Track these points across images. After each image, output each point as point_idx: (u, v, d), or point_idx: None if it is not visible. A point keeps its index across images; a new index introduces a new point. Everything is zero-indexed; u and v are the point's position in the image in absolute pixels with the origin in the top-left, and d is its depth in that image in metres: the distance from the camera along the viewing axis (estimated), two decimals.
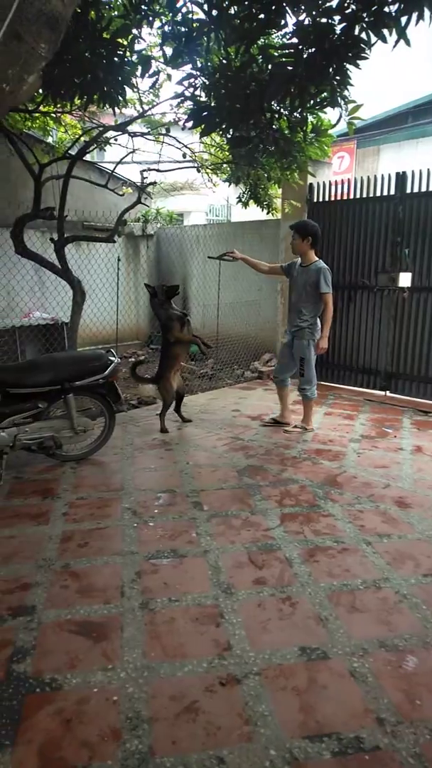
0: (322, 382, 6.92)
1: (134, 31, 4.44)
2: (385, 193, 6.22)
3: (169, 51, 4.49)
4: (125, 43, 4.36)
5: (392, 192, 6.16)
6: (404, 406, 5.95)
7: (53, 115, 6.36)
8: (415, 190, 5.98)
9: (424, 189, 5.91)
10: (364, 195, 6.42)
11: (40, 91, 4.78)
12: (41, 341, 7.30)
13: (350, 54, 3.85)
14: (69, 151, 6.16)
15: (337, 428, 5.15)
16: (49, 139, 7.56)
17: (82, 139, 6.19)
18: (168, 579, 2.64)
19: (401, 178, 6.09)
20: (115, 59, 4.34)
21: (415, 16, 3.47)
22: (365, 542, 3.03)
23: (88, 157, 6.58)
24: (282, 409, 5.21)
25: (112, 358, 4.22)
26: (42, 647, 2.16)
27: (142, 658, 2.11)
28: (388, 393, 6.41)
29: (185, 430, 5.02)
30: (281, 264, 5.34)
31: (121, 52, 4.35)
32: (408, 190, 6.04)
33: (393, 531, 3.18)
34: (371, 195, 6.36)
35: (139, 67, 4.58)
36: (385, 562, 2.82)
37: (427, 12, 3.47)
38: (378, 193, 6.29)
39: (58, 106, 5.54)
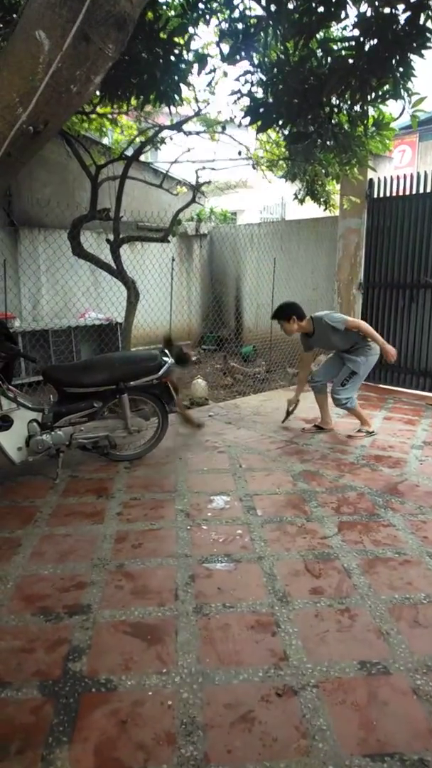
0: (381, 385, 6.73)
1: (191, 29, 4.43)
2: None
3: (225, 48, 4.45)
4: (182, 42, 4.36)
5: None
6: None
7: (110, 116, 6.45)
8: None
9: None
10: (428, 190, 6.17)
11: (97, 92, 4.86)
12: (96, 341, 7.44)
13: (414, 44, 3.70)
14: (125, 152, 6.23)
15: (397, 434, 4.97)
16: (105, 141, 7.69)
17: (138, 139, 6.25)
18: (222, 584, 2.60)
19: None
20: (172, 58, 4.35)
21: None
22: (429, 554, 2.89)
23: (143, 158, 6.63)
24: (323, 414, 5.06)
25: (166, 359, 4.23)
26: (97, 647, 2.17)
27: (197, 664, 2.08)
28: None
29: (237, 432, 4.97)
30: (304, 355, 5.17)
31: (178, 51, 4.34)
32: None
33: None
34: None
35: (196, 65, 4.57)
36: None
37: None
38: None
39: (115, 107, 5.62)
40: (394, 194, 6.57)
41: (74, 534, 3.10)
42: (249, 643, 2.20)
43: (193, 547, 2.95)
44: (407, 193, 6.44)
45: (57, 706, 1.88)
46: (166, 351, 4.38)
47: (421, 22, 3.55)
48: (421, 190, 6.24)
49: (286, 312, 4.71)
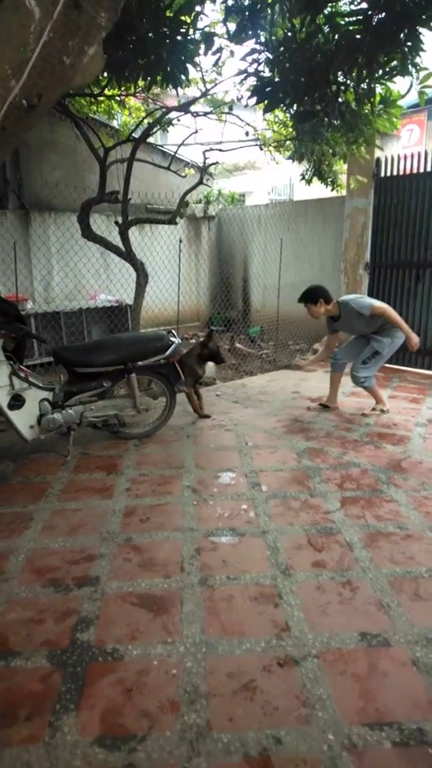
0: (387, 365, 6.71)
1: (197, 7, 4.38)
2: None
3: (232, 27, 4.40)
4: (188, 20, 4.32)
5: None
6: None
7: (117, 98, 6.41)
8: None
9: None
10: None
11: (105, 74, 4.83)
12: (106, 322, 7.49)
13: (423, 16, 3.64)
14: (133, 134, 6.20)
15: (401, 412, 4.99)
16: (114, 123, 7.65)
17: (146, 121, 6.21)
18: (226, 557, 2.67)
19: None
20: (178, 38, 4.31)
21: None
22: (431, 530, 2.93)
23: (151, 140, 6.59)
24: (331, 393, 5.08)
25: (173, 339, 4.26)
26: (105, 618, 2.24)
27: (201, 634, 2.14)
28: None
29: (244, 411, 5.01)
30: (328, 336, 5.16)
31: (184, 30, 4.30)
32: None
33: None
34: None
35: (202, 45, 4.52)
36: None
37: None
38: None
39: (122, 88, 5.58)
40: (401, 173, 6.49)
41: (84, 509, 3.17)
42: (252, 614, 2.26)
43: (199, 522, 3.01)
44: (415, 171, 6.36)
45: (65, 674, 1.95)
46: (173, 332, 4.42)
47: None
48: (429, 169, 6.16)
49: (313, 295, 4.71)
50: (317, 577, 2.51)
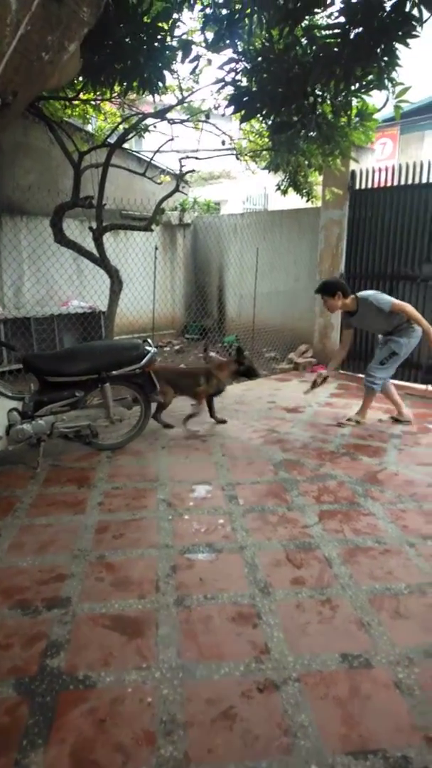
0: (359, 375, 6.74)
1: (175, 15, 4.34)
2: None
3: (210, 35, 4.37)
4: (166, 27, 4.27)
5: None
6: None
7: (93, 102, 6.32)
8: None
9: None
10: (410, 182, 6.18)
11: (80, 78, 4.75)
12: (79, 330, 7.33)
13: (400, 32, 3.66)
14: (108, 139, 6.12)
15: (376, 423, 4.99)
16: (89, 128, 7.55)
17: (121, 127, 6.14)
18: (203, 575, 2.59)
19: None
20: (156, 44, 4.26)
21: None
22: (408, 544, 2.91)
23: (126, 146, 6.52)
24: (396, 406, 5.02)
25: (149, 348, 4.18)
26: (76, 642, 2.13)
27: (178, 658, 2.06)
28: (430, 387, 6.20)
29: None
30: (343, 331, 5.16)
31: (162, 37, 4.26)
32: None
33: None
34: (418, 182, 6.11)
35: (180, 52, 4.48)
36: (431, 566, 2.69)
37: None
38: (425, 180, 6.04)
39: (98, 93, 5.50)
40: (375, 186, 6.56)
41: (55, 524, 3.05)
42: (230, 635, 2.18)
43: (174, 538, 2.93)
44: (390, 185, 6.44)
45: (33, 705, 1.84)
46: (149, 341, 4.33)
47: (407, 9, 3.52)
48: (404, 182, 6.24)
49: (331, 288, 4.70)
50: (296, 595, 2.45)
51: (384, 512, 3.27)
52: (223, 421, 4.93)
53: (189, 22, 5.47)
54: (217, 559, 2.72)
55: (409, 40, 3.65)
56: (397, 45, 3.72)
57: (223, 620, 2.27)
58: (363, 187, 6.66)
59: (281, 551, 2.81)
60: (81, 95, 5.63)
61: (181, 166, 6.50)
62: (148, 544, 2.86)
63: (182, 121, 6.31)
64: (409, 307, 4.56)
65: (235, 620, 2.27)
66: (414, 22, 3.53)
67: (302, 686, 1.93)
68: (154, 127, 6.61)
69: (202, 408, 4.81)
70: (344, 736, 1.73)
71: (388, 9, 3.56)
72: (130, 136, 5.87)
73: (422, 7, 3.42)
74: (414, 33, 3.61)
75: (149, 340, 4.36)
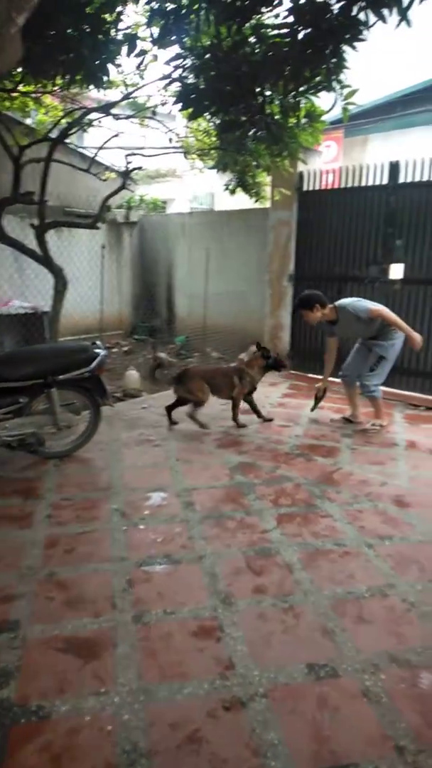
0: (310, 375, 6.80)
1: (119, 7, 4.20)
2: (378, 182, 6.07)
3: (156, 30, 4.26)
4: (110, 19, 4.13)
5: (385, 181, 6.02)
6: (395, 399, 5.85)
7: (33, 95, 6.06)
8: (408, 179, 5.85)
9: (417, 179, 5.78)
10: (356, 184, 6.27)
11: (20, 69, 4.52)
12: (21, 331, 7.01)
13: (347, 35, 3.67)
14: (49, 134, 5.89)
15: (329, 423, 5.02)
16: (29, 121, 7.25)
17: (64, 121, 5.92)
18: (162, 588, 2.48)
19: (394, 167, 5.95)
20: (100, 36, 4.11)
21: None
22: (367, 545, 2.90)
23: (69, 141, 6.29)
24: (353, 408, 5.05)
25: (98, 351, 4.01)
26: (27, 669, 1.98)
27: (138, 680, 1.95)
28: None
29: (174, 425, 4.84)
30: (327, 339, 5.12)
31: (106, 29, 4.11)
32: (401, 180, 5.91)
33: (394, 532, 3.05)
34: (363, 184, 6.21)
35: (125, 46, 4.35)
36: (389, 567, 2.70)
37: None
38: (371, 183, 6.15)
39: (39, 85, 5.28)
40: (323, 188, 6.63)
41: None
42: (193, 652, 2.09)
43: (130, 550, 2.80)
44: (336, 186, 6.51)
45: None
46: (98, 343, 4.17)
47: (354, 13, 3.52)
48: (350, 185, 6.33)
49: (308, 301, 4.69)
50: (259, 604, 2.38)
51: (341, 513, 3.26)
52: (269, 419, 4.98)
53: (134, 16, 5.31)
54: (176, 571, 2.62)
55: (356, 43, 3.67)
56: (345, 47, 3.73)
57: (185, 636, 2.18)
58: (311, 188, 6.71)
59: (241, 558, 2.74)
60: (21, 87, 5.39)
61: (127, 163, 6.34)
62: (101, 558, 2.72)
63: (127, 117, 6.15)
64: (386, 312, 4.61)
65: (197, 635, 2.18)
66: (361, 26, 3.55)
67: (269, 702, 1.86)
68: (99, 122, 6.42)
69: (200, 408, 4.72)
70: (315, 753, 1.68)
71: (335, 11, 3.56)
72: (73, 131, 5.66)
73: (369, 12, 3.43)
74: (361, 36, 3.63)
75: (98, 342, 4.20)
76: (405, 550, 2.87)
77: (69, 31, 3.99)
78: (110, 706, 1.83)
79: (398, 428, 4.94)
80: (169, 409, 4.84)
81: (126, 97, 5.69)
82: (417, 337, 4.56)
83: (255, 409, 4.95)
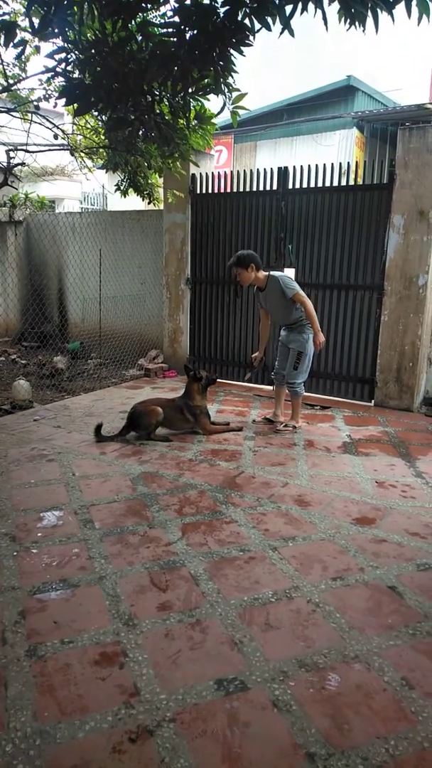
0: (237, 381, 6.79)
1: None
2: (269, 187, 6.21)
3: (36, 20, 4.02)
4: None
5: (275, 187, 6.17)
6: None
7: None
8: (297, 186, 6.04)
9: (305, 185, 5.98)
10: (248, 189, 6.37)
11: None
12: None
13: (234, 40, 3.69)
14: None
15: (249, 424, 5.04)
16: None
17: None
18: (59, 616, 2.30)
19: (283, 173, 6.11)
20: None
21: (299, 6, 3.38)
22: (271, 548, 2.90)
23: None
24: (276, 407, 5.11)
25: None
26: None
27: (33, 722, 1.77)
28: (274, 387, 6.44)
29: (68, 436, 4.60)
30: (261, 311, 5.20)
31: None
32: (290, 186, 6.08)
33: (297, 533, 3.09)
34: (255, 189, 6.32)
35: (2, 35, 4.06)
36: (293, 569, 2.71)
37: (311, 4, 3.40)
38: (262, 188, 6.27)
39: None
40: (215, 191, 6.66)
41: None
42: (94, 682, 1.95)
43: (21, 577, 2.58)
44: (228, 190, 6.57)
45: None
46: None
47: (240, 18, 3.54)
48: (242, 189, 6.41)
49: (245, 260, 4.68)
50: (164, 622, 2.28)
51: (245, 518, 3.25)
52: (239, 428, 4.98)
53: (12, 3, 4.99)
54: (74, 596, 2.45)
55: (243, 48, 3.70)
56: (233, 51, 3.75)
57: (85, 666, 2.02)
58: (203, 191, 6.72)
59: (145, 575, 2.62)
60: None
61: (9, 158, 5.97)
62: None
63: (8, 110, 5.79)
64: (308, 304, 4.69)
65: (98, 663, 2.04)
66: (247, 31, 3.58)
67: (178, 726, 1.77)
68: None
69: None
70: None
71: (221, 15, 3.56)
72: None
73: (254, 18, 3.46)
74: (247, 41, 3.66)
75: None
76: (308, 549, 2.91)
77: None
78: (1, 756, 1.64)
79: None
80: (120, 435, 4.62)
81: (6, 89, 5.35)
82: (321, 337, 4.71)
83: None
